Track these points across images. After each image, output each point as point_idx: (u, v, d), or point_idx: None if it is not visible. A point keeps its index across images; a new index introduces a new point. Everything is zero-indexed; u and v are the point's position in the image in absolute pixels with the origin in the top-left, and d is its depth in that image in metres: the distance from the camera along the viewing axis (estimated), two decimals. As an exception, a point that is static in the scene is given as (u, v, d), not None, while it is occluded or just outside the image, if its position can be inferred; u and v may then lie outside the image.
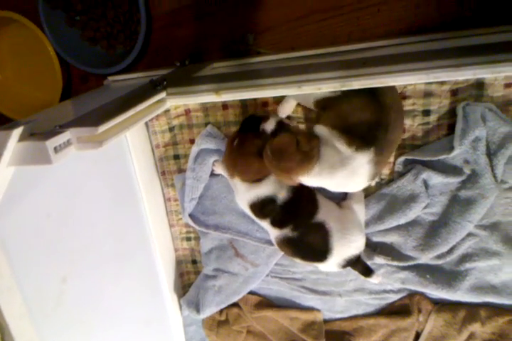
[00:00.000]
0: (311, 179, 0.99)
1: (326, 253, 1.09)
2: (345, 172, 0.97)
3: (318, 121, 1.00)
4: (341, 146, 0.95)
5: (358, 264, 1.13)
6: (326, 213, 1.11)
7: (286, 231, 1.10)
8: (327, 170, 0.97)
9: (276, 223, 1.11)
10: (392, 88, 0.98)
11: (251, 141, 1.04)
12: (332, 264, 1.11)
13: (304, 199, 1.12)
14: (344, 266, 1.12)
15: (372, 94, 0.92)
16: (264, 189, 1.08)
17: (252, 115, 1.09)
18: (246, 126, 1.07)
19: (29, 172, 0.81)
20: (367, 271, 1.15)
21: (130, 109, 0.76)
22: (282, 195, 1.09)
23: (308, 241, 1.10)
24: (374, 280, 1.16)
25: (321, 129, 0.98)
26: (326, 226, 1.09)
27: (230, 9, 1.11)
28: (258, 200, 1.10)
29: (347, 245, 1.09)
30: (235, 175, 1.09)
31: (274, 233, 1.14)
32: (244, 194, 1.11)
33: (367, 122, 0.93)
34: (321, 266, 1.14)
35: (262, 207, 1.10)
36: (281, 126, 1.05)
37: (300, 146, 0.95)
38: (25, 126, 0.64)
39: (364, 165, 0.96)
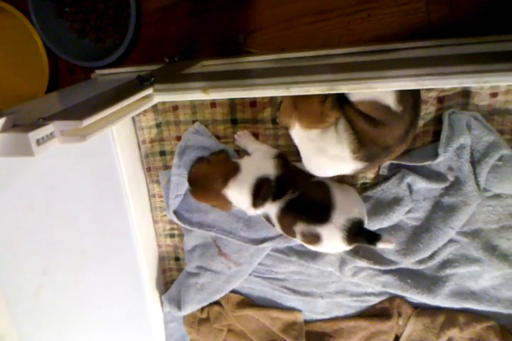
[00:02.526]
0: (308, 131, 1.01)
1: (330, 209, 1.03)
2: (329, 162, 1.02)
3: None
4: (345, 146, 0.98)
5: (362, 232, 1.04)
6: (325, 178, 1.11)
7: (287, 197, 1.07)
8: (322, 144, 1.00)
9: (277, 196, 1.08)
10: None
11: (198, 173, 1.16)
12: (336, 228, 1.02)
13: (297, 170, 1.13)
14: (349, 239, 1.03)
15: (412, 126, 0.96)
16: (252, 173, 1.09)
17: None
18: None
19: (11, 163, 0.81)
20: (373, 237, 1.03)
21: (116, 103, 0.75)
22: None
23: (312, 197, 1.07)
24: (387, 246, 1.03)
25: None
26: (328, 185, 1.08)
27: (222, 7, 1.11)
28: (254, 187, 1.09)
29: (349, 206, 1.05)
30: (226, 205, 1.15)
31: (275, 209, 1.09)
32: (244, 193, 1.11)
33: (384, 145, 0.97)
34: (326, 237, 1.04)
35: (259, 191, 1.09)
36: None
37: (323, 105, 0.97)
38: (8, 117, 0.63)
39: (348, 169, 1.03)
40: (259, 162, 1.13)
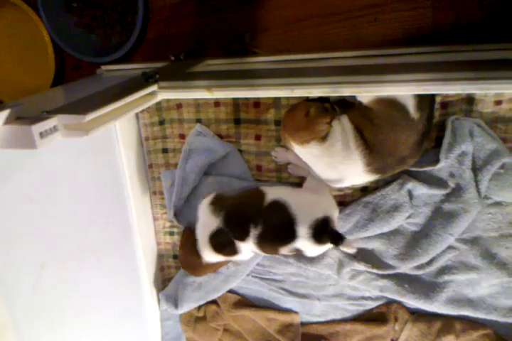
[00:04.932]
0: (306, 146, 1.00)
1: (293, 225, 1.07)
2: (339, 175, 1.02)
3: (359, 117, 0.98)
4: (358, 161, 0.98)
5: (327, 232, 1.07)
6: (275, 193, 1.12)
7: (254, 233, 1.10)
8: (328, 160, 1.00)
9: (241, 236, 1.11)
10: None
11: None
12: (305, 238, 1.07)
13: (241, 202, 1.16)
14: (319, 241, 1.07)
15: (424, 137, 0.97)
16: (203, 234, 1.17)
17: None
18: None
19: (15, 156, 0.81)
20: (337, 238, 1.06)
21: (120, 99, 0.75)
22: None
23: (273, 223, 1.09)
24: (349, 250, 1.11)
25: (346, 122, 1.00)
26: (282, 202, 1.09)
27: (229, 7, 1.12)
28: (217, 243, 1.15)
29: (309, 210, 1.08)
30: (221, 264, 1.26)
31: (252, 245, 1.12)
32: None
33: (399, 156, 0.98)
34: (301, 245, 1.09)
35: (222, 241, 1.14)
36: None
37: (309, 115, 0.97)
38: (12, 109, 0.63)
39: (360, 181, 1.04)
40: (203, 220, 1.19)
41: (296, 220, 1.07)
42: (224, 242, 1.14)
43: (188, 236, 1.23)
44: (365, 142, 0.97)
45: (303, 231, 1.06)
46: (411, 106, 0.92)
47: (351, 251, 1.14)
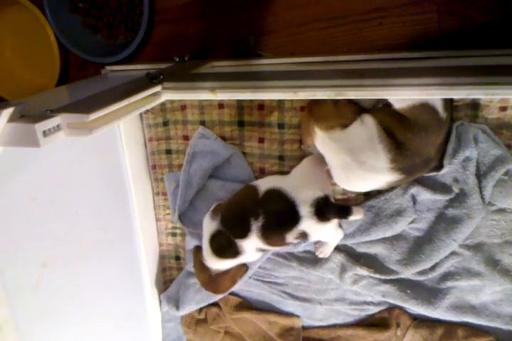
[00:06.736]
0: (329, 132, 0.99)
1: (294, 207, 1.06)
2: (359, 169, 0.98)
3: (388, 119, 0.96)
4: (382, 155, 0.95)
5: (330, 207, 1.08)
6: (267, 183, 1.12)
7: (256, 225, 1.08)
8: (349, 145, 0.98)
9: (242, 233, 1.10)
10: None
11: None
12: (309, 217, 1.06)
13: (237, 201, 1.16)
14: (323, 219, 1.06)
15: (447, 139, 0.97)
16: (207, 233, 1.17)
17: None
18: None
19: (18, 154, 0.81)
20: (344, 211, 1.09)
21: (124, 99, 0.75)
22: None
23: (273, 210, 1.08)
24: (356, 217, 1.10)
25: (368, 117, 0.98)
26: (275, 189, 1.09)
27: (235, 9, 1.12)
28: (217, 246, 1.15)
29: (306, 190, 1.07)
30: (238, 271, 1.21)
31: (256, 240, 1.10)
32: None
33: (426, 157, 0.96)
34: (305, 226, 1.07)
35: (221, 242, 1.13)
36: None
37: (338, 104, 0.98)
38: (16, 107, 0.63)
39: (381, 181, 1.00)
40: (204, 229, 1.19)
41: (296, 201, 1.06)
42: (224, 243, 1.12)
43: (197, 254, 1.22)
44: (390, 138, 0.94)
45: (305, 210, 1.05)
46: (439, 106, 0.91)
47: (360, 216, 1.11)
